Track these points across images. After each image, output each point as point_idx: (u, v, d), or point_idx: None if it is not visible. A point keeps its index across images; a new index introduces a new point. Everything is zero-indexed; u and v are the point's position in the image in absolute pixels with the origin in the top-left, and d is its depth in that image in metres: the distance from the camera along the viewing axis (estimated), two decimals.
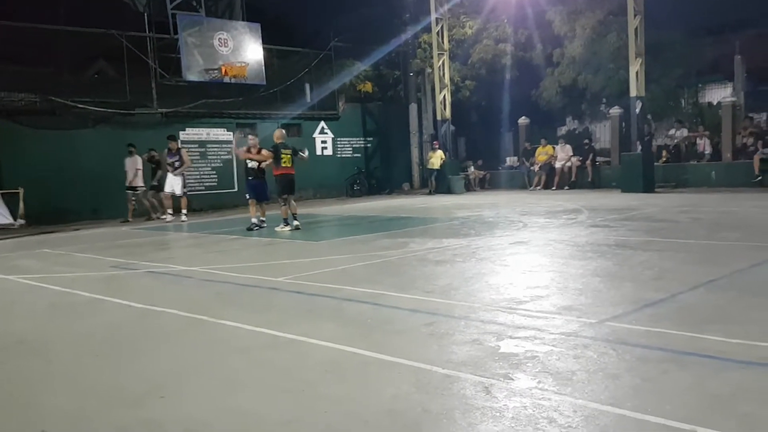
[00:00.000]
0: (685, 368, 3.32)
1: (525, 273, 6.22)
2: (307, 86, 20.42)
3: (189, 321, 5.00)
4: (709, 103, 19.25)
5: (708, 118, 18.55)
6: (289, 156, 11.00)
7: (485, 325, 4.32)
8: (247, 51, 18.34)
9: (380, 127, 22.73)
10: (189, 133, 17.80)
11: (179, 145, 14.85)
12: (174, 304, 5.58)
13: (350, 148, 22.01)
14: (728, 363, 3.35)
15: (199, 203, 17.30)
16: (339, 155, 21.64)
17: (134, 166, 15.01)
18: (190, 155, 16.99)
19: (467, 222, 11.16)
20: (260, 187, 11.54)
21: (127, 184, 15.01)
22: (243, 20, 19.24)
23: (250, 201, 11.55)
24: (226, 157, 18.43)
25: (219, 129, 18.37)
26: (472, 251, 7.72)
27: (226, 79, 17.91)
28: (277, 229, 11.01)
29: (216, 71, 17.69)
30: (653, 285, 5.32)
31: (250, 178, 11.51)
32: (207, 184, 18.17)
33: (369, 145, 22.54)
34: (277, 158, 10.92)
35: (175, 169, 14.16)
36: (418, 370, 3.48)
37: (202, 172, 18.08)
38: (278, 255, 8.70)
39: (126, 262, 8.47)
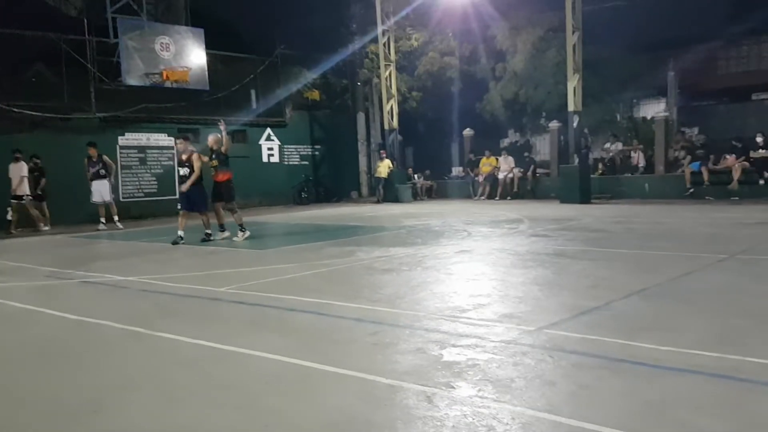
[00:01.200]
0: (619, 375, 3.44)
1: (468, 281, 6.32)
2: (253, 92, 20.24)
3: (126, 333, 4.86)
4: (644, 118, 20.08)
5: (642, 132, 19.34)
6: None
7: (429, 334, 4.37)
8: (190, 56, 18.04)
9: (328, 135, 22.71)
10: (128, 138, 17.35)
11: (98, 152, 14.34)
12: (111, 315, 5.42)
13: (297, 156, 21.90)
14: (661, 370, 3.48)
15: (138, 210, 16.85)
16: (286, 162, 21.49)
17: (19, 173, 13.80)
18: (129, 161, 16.54)
19: (414, 231, 11.27)
20: (195, 196, 10.70)
21: (12, 192, 13.77)
22: (186, 25, 18.92)
23: (181, 212, 10.85)
24: (167, 162, 18.03)
25: (160, 134, 17.97)
26: (418, 260, 7.79)
27: (167, 84, 17.54)
28: (236, 238, 10.61)
29: (157, 76, 17.31)
30: (589, 293, 5.50)
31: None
32: (146, 190, 17.72)
33: (317, 153, 22.48)
34: (223, 163, 10.67)
35: (102, 177, 13.81)
36: (362, 381, 3.49)
37: (141, 179, 17.62)
38: (221, 264, 8.56)
39: (60, 271, 8.17)
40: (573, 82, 16.36)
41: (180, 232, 10.61)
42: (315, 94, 22.50)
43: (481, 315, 4.84)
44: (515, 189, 19.28)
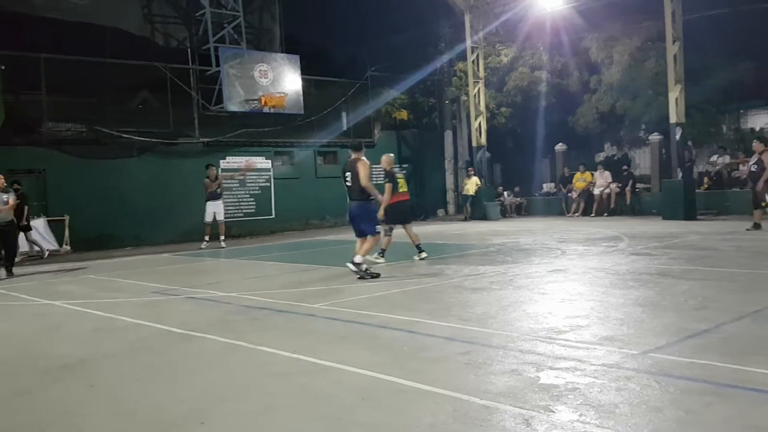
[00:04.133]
0: (728, 401, 3.22)
1: (564, 302, 6.12)
2: (344, 114, 20.70)
3: (227, 346, 5.06)
4: (752, 129, 18.83)
5: (750, 144, 18.12)
6: (404, 180, 10.26)
7: (524, 355, 4.26)
8: (286, 81, 18.72)
9: (415, 153, 22.82)
10: (229, 162, 18.17)
11: (216, 173, 15.08)
12: (213, 329, 5.66)
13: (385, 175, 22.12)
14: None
15: (237, 230, 17.55)
16: (374, 182, 21.69)
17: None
18: (230, 183, 17.33)
19: (503, 249, 11.07)
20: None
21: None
22: (282, 52, 19.70)
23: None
24: (264, 184, 18.73)
25: (258, 157, 18.70)
26: (509, 279, 7.64)
27: (266, 110, 18.28)
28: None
29: (256, 102, 18.08)
30: (696, 315, 5.19)
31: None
32: (245, 210, 18.45)
33: (404, 171, 22.62)
34: (394, 184, 9.96)
35: (217, 197, 14.46)
36: (455, 400, 3.44)
37: (240, 199, 18.38)
38: (314, 281, 8.76)
39: (167, 287, 8.63)
40: (675, 93, 15.62)
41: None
42: (403, 114, 22.72)
43: (579, 337, 4.67)
44: (612, 205, 18.55)
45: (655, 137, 18.29)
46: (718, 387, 3.44)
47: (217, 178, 14.79)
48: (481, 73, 20.38)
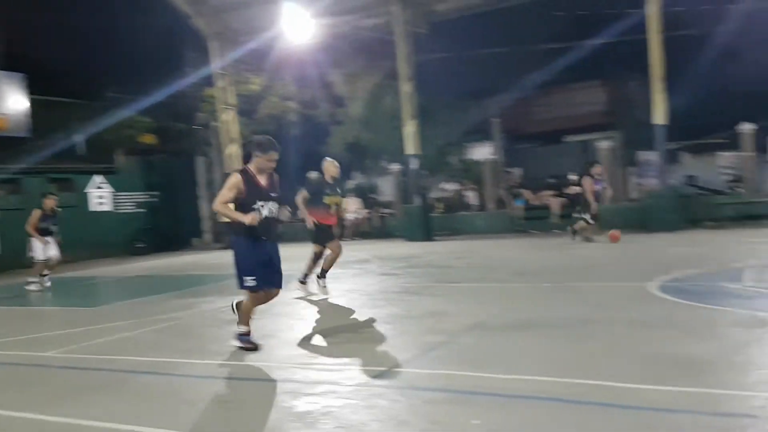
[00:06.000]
0: (469, 407, 3.57)
1: (320, 326, 6.28)
2: (79, 138, 18.88)
3: None
4: (474, 160, 21.60)
5: (474, 173, 20.77)
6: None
7: (281, 385, 4.26)
8: (8, 101, 16.52)
9: (166, 180, 21.66)
10: None
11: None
12: None
13: (133, 203, 20.63)
14: (509, 399, 3.65)
15: None
16: (120, 211, 20.14)
17: None
18: None
19: None
20: None
21: None
22: (2, 69, 17.35)
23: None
24: None
25: None
26: (267, 307, 7.58)
27: None
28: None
29: None
30: (437, 328, 5.69)
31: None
32: None
33: (154, 199, 21.32)
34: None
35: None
36: None
37: None
38: (48, 325, 7.73)
39: None
40: (410, 127, 17.23)
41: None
42: (149, 138, 21.48)
43: (335, 359, 4.82)
44: (362, 229, 19.68)
45: (395, 167, 19.95)
46: (458, 395, 3.79)
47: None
48: (232, 100, 20.24)
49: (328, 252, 8.28)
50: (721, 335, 4.70)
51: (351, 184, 22.93)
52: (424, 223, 17.16)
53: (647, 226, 14.64)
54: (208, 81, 20.79)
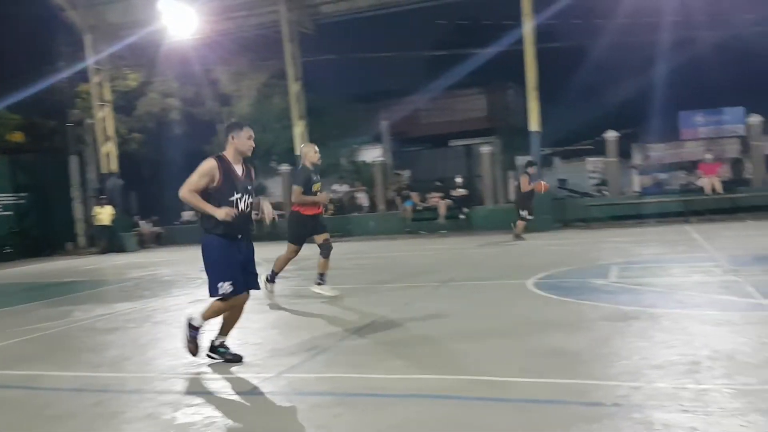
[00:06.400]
0: (354, 408, 3.60)
1: (204, 333, 6.07)
2: None
3: None
4: (364, 162, 21.83)
5: (364, 175, 20.98)
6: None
7: (161, 396, 4.08)
8: None
9: (36, 181, 20.11)
10: None
11: None
12: None
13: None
14: (392, 398, 3.71)
15: None
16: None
17: None
18: None
19: (142, 283, 10.51)
20: None
21: None
22: None
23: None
24: None
25: None
26: (146, 315, 7.27)
27: None
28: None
29: None
30: (325, 331, 5.70)
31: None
32: None
33: (23, 201, 19.72)
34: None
35: None
36: None
37: None
38: None
39: None
40: (298, 128, 17.11)
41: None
42: (17, 136, 19.86)
43: (219, 368, 4.68)
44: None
45: (284, 167, 19.72)
46: (344, 397, 3.81)
47: None
48: (108, 97, 19.18)
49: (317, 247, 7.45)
50: (589, 328, 5.06)
51: None
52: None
53: (525, 227, 15.45)
54: (83, 76, 19.58)
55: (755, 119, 16.16)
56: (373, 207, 19.50)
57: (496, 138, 23.30)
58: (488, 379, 3.92)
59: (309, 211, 7.28)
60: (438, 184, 18.72)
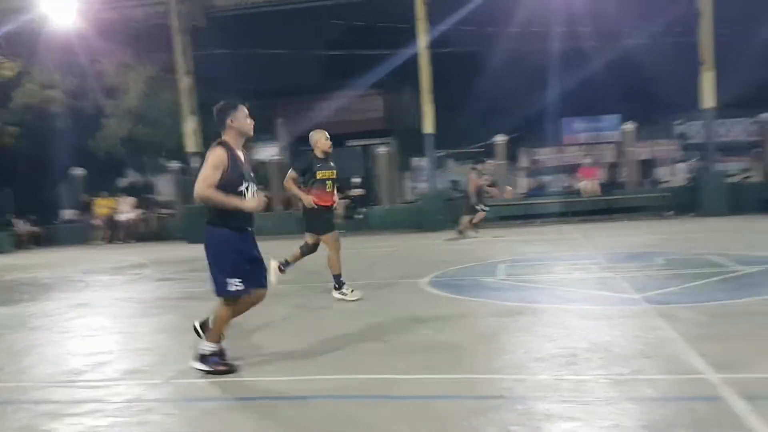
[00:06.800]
0: (245, 412, 3.54)
1: (86, 339, 5.75)
2: None
3: None
4: (260, 160, 21.46)
5: (261, 174, 20.62)
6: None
7: (38, 406, 3.82)
8: None
9: None
10: None
11: None
12: None
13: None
14: (287, 400, 3.68)
15: None
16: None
17: None
18: None
19: (18, 286, 9.78)
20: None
21: None
22: None
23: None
24: None
25: None
26: (22, 320, 6.77)
27: None
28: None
29: None
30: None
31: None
32: None
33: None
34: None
35: None
36: None
37: None
38: None
39: None
40: (190, 124, 16.54)
41: None
42: None
43: (101, 375, 4.45)
44: (138, 231, 18.41)
45: (175, 165, 19.01)
46: (236, 402, 3.72)
47: None
48: None
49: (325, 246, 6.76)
50: (478, 324, 5.26)
51: (124, 182, 21.36)
52: None
53: (421, 226, 15.83)
54: None
55: (629, 126, 17.44)
56: (269, 206, 19.20)
57: (393, 139, 23.67)
58: (378, 377, 3.99)
59: (322, 202, 6.70)
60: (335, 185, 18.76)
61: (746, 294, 5.71)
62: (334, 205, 6.92)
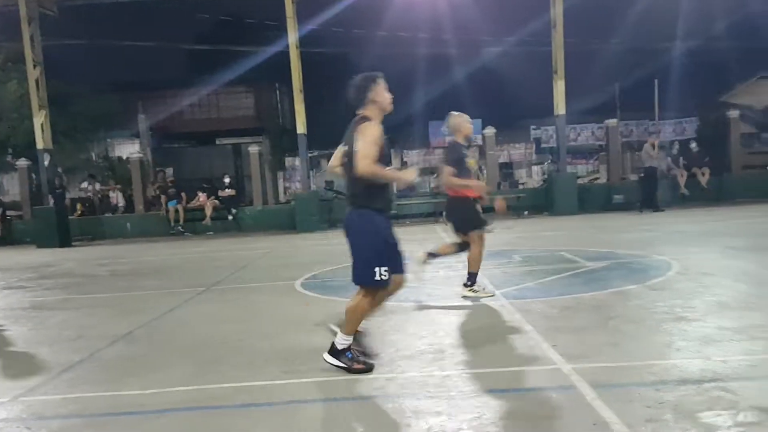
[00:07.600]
0: (105, 430, 3.33)
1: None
2: None
3: None
4: (120, 158, 20.25)
5: (119, 172, 19.46)
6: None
7: None
8: None
9: None
10: None
11: None
12: None
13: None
14: (146, 415, 3.48)
15: None
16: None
17: None
18: None
19: None
20: None
21: None
22: None
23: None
24: None
25: None
26: None
27: None
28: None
29: None
30: (72, 346, 5.17)
31: None
32: None
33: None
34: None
35: None
36: None
37: None
38: None
39: None
40: (40, 119, 15.27)
41: None
42: None
43: None
44: None
45: (23, 163, 17.48)
46: (92, 419, 3.49)
47: None
48: None
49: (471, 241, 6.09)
50: None
51: None
52: (60, 227, 15.43)
53: (294, 227, 15.73)
54: None
55: (490, 131, 18.38)
56: (130, 207, 18.16)
57: (265, 138, 23.29)
58: (250, 384, 3.90)
59: (472, 193, 6.08)
60: (204, 184, 18.08)
61: (594, 288, 6.24)
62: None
